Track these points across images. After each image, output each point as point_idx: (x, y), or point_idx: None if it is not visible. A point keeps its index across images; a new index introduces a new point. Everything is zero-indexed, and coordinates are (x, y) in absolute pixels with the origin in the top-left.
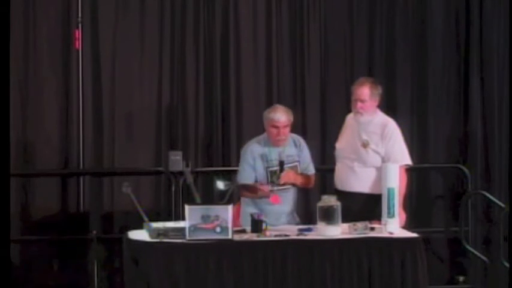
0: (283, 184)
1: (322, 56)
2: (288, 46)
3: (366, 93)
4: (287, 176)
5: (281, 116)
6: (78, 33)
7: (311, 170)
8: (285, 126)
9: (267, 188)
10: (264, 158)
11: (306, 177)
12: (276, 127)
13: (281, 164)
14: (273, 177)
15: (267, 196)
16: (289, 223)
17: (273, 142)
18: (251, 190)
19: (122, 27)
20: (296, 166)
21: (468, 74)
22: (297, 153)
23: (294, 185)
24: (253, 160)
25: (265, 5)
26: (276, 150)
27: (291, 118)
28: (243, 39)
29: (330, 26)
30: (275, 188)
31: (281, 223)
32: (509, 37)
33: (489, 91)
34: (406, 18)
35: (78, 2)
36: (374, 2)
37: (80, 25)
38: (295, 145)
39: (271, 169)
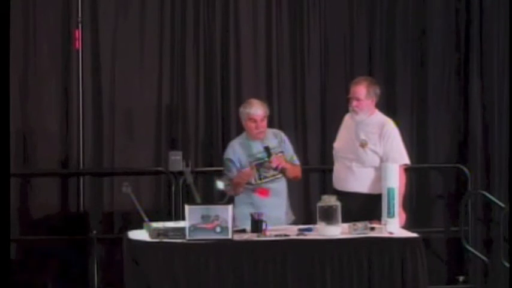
0: (276, 168)
1: (322, 56)
2: (288, 46)
3: (362, 91)
4: (278, 158)
5: (257, 109)
6: (78, 33)
7: (296, 161)
8: (262, 119)
9: (248, 170)
10: (247, 153)
11: (294, 164)
12: (254, 121)
13: (267, 149)
14: (260, 169)
15: (248, 177)
16: (285, 221)
17: (253, 136)
18: (239, 182)
19: (122, 27)
20: (281, 155)
21: (468, 74)
22: (279, 145)
23: (283, 171)
24: (235, 157)
25: (265, 5)
26: (257, 144)
27: (267, 111)
28: (243, 39)
29: (330, 26)
30: (264, 180)
31: (277, 215)
32: (509, 36)
33: (489, 91)
34: (406, 18)
35: (78, 2)
36: (374, 2)
37: (80, 25)
38: (276, 137)
39: (255, 163)
